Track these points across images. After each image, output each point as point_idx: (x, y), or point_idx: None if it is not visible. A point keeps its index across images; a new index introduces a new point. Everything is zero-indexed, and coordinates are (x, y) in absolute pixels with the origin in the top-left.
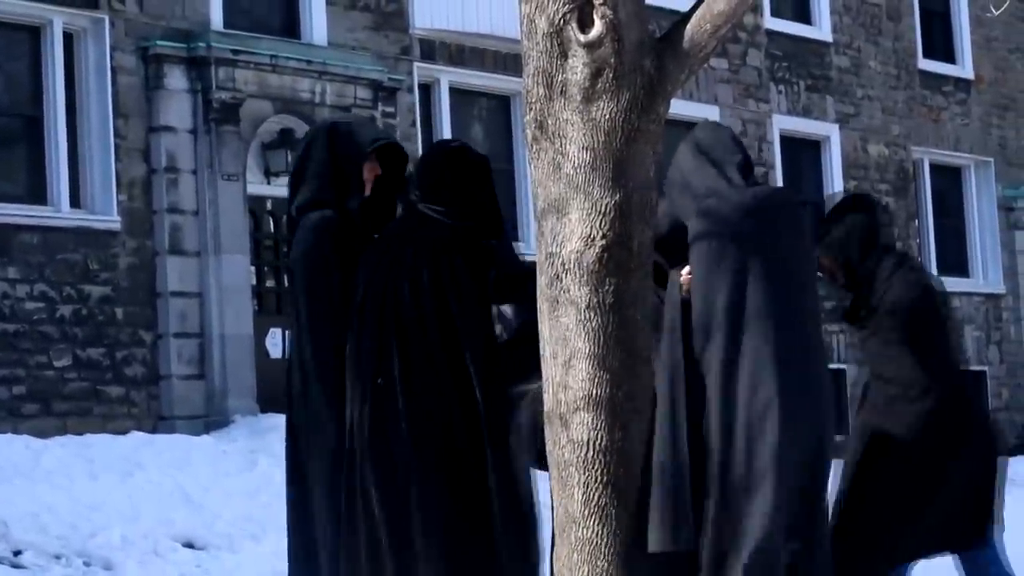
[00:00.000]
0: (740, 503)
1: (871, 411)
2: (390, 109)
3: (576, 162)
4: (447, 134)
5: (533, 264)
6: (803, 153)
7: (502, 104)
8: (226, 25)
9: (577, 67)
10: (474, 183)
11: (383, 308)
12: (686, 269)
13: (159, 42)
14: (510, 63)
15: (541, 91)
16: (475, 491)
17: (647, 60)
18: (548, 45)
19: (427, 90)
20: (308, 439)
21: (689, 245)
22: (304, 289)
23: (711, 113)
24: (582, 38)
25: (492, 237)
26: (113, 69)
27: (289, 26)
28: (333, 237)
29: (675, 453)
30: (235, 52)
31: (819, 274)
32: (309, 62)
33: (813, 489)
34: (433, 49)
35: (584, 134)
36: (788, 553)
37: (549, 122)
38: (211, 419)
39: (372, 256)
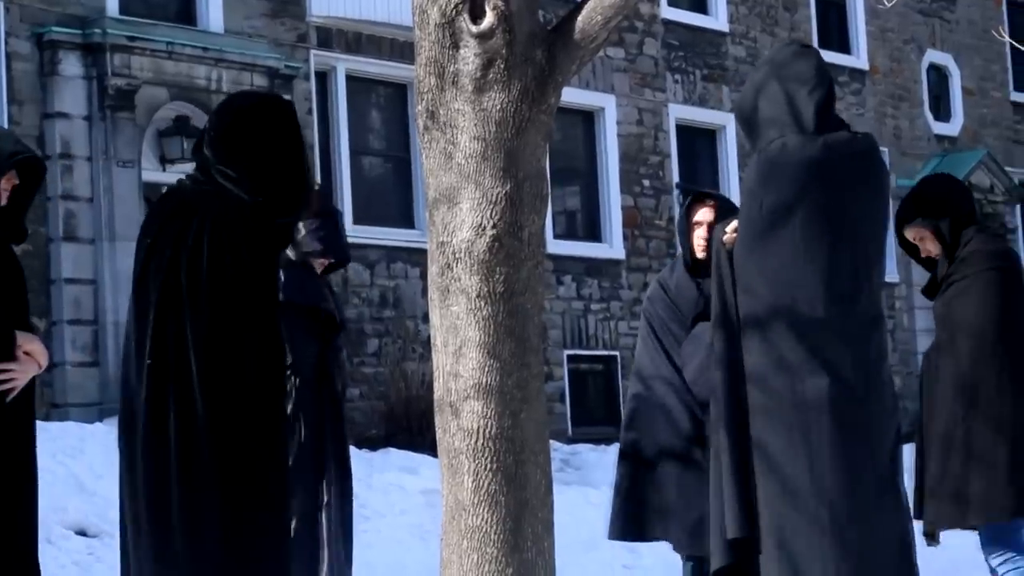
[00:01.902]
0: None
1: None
2: (286, 96)
3: (467, 152)
4: (343, 122)
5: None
6: (699, 142)
7: (399, 92)
8: (122, 11)
9: (469, 57)
10: (276, 146)
11: (164, 284)
12: (732, 225)
13: (54, 28)
14: (407, 51)
15: (433, 81)
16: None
17: (538, 51)
18: (440, 35)
19: (323, 78)
20: None
21: (741, 195)
22: None
23: (607, 102)
24: (474, 29)
25: (288, 214)
26: (7, 55)
27: (185, 13)
28: None
29: (742, 444)
30: (131, 39)
31: (902, 248)
32: (205, 49)
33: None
34: (330, 37)
35: (475, 124)
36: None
37: (441, 112)
38: (105, 407)
39: (157, 219)
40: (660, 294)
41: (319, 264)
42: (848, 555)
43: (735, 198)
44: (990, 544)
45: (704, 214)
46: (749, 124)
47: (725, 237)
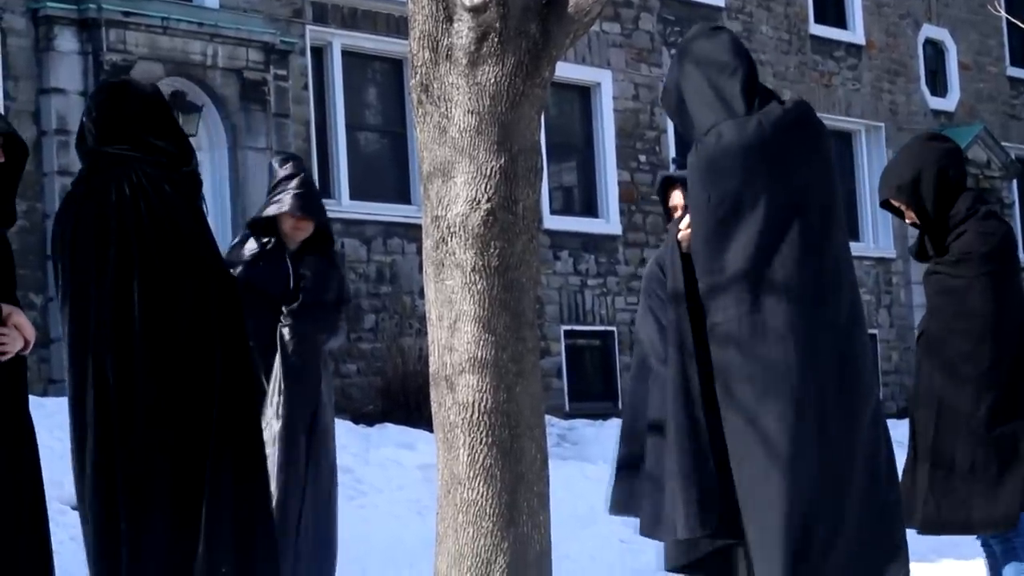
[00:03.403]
0: (760, 486)
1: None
2: (282, 72)
3: (461, 126)
4: (339, 97)
5: None
6: None
7: (395, 67)
8: None
9: (462, 31)
10: (151, 113)
11: (99, 256)
12: (684, 222)
13: (49, 3)
14: (403, 26)
15: (427, 55)
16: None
17: (532, 25)
18: (433, 9)
19: (319, 53)
20: None
21: (688, 190)
22: None
23: (603, 77)
24: (467, 2)
25: (185, 164)
26: (3, 30)
27: None
28: None
29: (694, 434)
30: (126, 14)
31: (886, 211)
32: (201, 24)
33: (844, 463)
34: (325, 12)
35: (469, 98)
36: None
37: (434, 86)
38: None
39: (71, 207)
40: (658, 275)
41: (292, 228)
42: (820, 517)
43: None
44: (1007, 555)
45: (677, 197)
46: (679, 116)
47: (680, 235)
